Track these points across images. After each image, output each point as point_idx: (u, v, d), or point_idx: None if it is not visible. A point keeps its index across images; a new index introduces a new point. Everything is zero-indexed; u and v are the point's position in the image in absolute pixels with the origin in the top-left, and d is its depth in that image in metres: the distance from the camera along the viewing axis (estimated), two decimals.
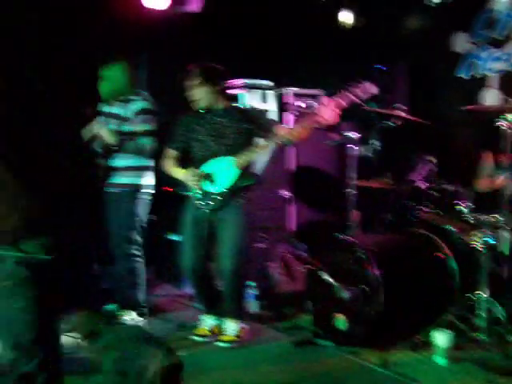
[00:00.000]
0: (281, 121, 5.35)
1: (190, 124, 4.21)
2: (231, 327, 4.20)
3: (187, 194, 4.22)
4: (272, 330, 4.48)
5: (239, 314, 4.24)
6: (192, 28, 6.04)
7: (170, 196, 4.84)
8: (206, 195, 4.13)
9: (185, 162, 4.26)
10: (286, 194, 5.36)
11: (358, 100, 3.89)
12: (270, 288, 4.93)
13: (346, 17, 5.90)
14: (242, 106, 4.35)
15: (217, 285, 4.30)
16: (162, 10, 6.02)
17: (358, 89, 3.86)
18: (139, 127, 4.40)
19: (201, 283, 4.28)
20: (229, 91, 4.60)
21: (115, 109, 4.53)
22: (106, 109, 4.59)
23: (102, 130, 4.37)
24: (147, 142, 4.40)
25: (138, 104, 4.44)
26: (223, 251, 4.11)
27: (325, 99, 3.90)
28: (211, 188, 4.12)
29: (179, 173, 4.22)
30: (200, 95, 4.11)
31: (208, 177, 4.12)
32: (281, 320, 4.63)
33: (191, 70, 4.13)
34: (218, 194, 4.09)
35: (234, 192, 4.07)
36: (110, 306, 4.74)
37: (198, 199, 4.16)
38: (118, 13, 5.44)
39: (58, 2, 5.14)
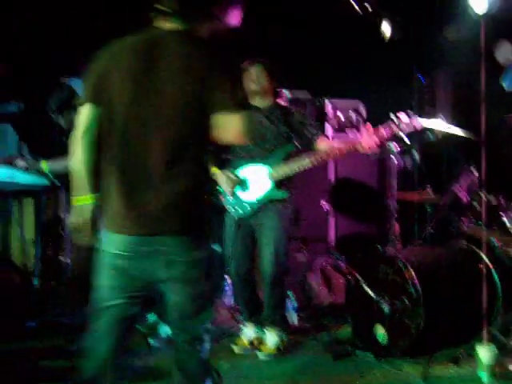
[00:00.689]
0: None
1: None
2: (271, 338, 4.21)
3: (223, 203, 4.26)
4: (311, 342, 4.47)
5: (279, 325, 4.25)
6: (230, 40, 6.10)
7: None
8: (238, 201, 4.17)
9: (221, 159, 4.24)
10: (326, 205, 5.37)
11: (401, 133, 3.89)
12: (310, 299, 4.93)
13: (385, 27, 5.87)
14: (288, 107, 4.31)
15: (258, 294, 4.33)
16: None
17: (403, 123, 3.86)
18: None
19: (244, 290, 4.32)
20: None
21: None
22: None
23: None
24: None
25: None
26: (263, 256, 4.13)
27: (368, 128, 3.91)
28: (243, 195, 4.15)
29: (215, 172, 4.21)
30: (251, 89, 4.08)
31: (242, 183, 4.14)
32: (320, 332, 4.62)
33: (249, 63, 4.14)
34: (249, 204, 4.12)
35: (266, 203, 4.10)
36: (152, 317, 4.81)
37: (229, 204, 4.21)
38: None
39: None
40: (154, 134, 2.35)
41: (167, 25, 2.43)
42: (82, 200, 2.47)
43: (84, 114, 2.43)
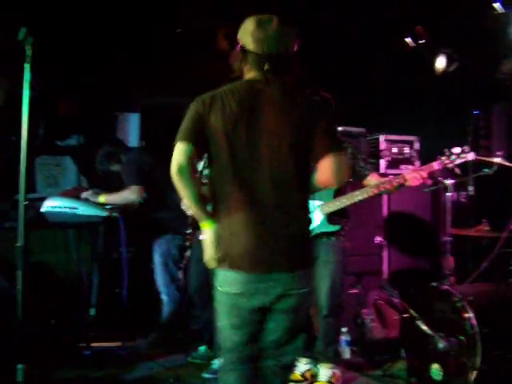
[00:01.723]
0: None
1: None
2: (324, 373, 4.19)
3: None
4: (365, 378, 4.43)
5: (333, 359, 4.23)
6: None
7: None
8: None
9: None
10: (379, 239, 5.34)
11: (454, 167, 3.91)
12: (363, 334, 4.88)
13: (440, 62, 5.88)
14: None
15: (312, 327, 4.33)
16: None
17: (457, 156, 3.88)
18: None
19: None
20: None
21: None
22: None
23: None
24: None
25: None
26: (319, 290, 4.11)
27: (416, 166, 3.96)
28: None
29: None
30: None
31: None
32: (374, 367, 4.58)
33: None
34: None
35: (318, 236, 4.11)
36: (202, 348, 4.85)
37: None
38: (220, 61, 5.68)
39: None
40: (267, 176, 2.57)
41: (258, 77, 2.66)
42: (204, 226, 2.67)
43: (179, 152, 2.54)
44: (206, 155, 2.65)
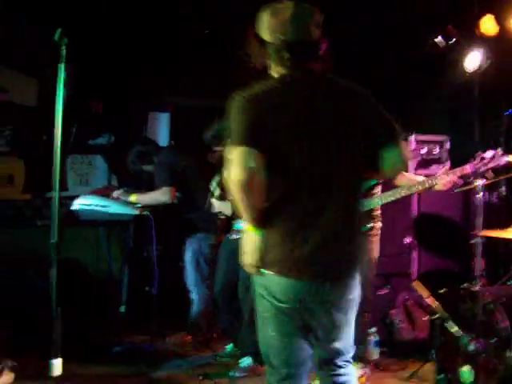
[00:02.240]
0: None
1: None
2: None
3: None
4: (393, 379, 4.41)
5: (362, 359, 4.22)
6: None
7: None
8: None
9: None
10: (409, 240, 5.31)
11: (487, 169, 3.88)
12: (392, 335, 4.86)
13: (470, 60, 5.82)
14: None
15: None
16: None
17: (489, 159, 3.85)
18: None
19: None
20: None
21: None
22: None
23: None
24: None
25: None
26: None
27: (448, 167, 3.94)
28: None
29: None
30: None
31: None
32: (402, 368, 4.55)
33: None
34: None
35: None
36: (228, 347, 4.88)
37: None
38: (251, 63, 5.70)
39: None
40: (332, 177, 2.42)
41: (291, 69, 2.47)
42: (250, 230, 2.51)
43: (243, 158, 2.31)
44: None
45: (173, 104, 6.57)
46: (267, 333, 2.57)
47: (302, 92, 2.44)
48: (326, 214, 2.40)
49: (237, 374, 4.49)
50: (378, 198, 4.07)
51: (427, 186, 3.96)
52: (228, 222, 4.66)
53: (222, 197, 4.58)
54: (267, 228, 2.45)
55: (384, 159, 2.47)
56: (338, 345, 2.62)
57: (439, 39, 5.77)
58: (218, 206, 4.64)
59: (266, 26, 2.46)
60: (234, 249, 4.65)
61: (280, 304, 2.47)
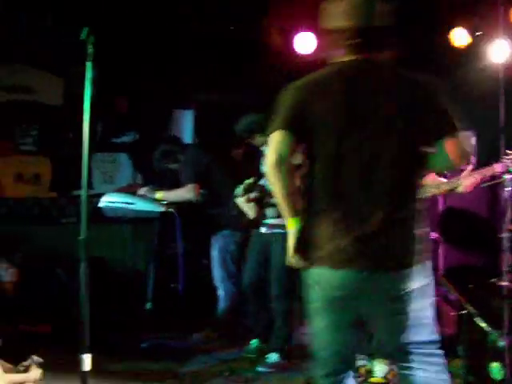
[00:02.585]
0: None
1: None
2: (380, 369, 4.15)
3: None
4: None
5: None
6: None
7: None
8: None
9: None
10: (435, 235, 5.27)
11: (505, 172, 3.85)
12: None
13: (496, 53, 5.73)
14: None
15: None
16: (309, 55, 6.22)
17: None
18: None
19: None
20: None
21: None
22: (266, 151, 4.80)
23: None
24: None
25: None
26: None
27: (470, 168, 3.91)
28: None
29: None
30: None
31: None
32: None
33: None
34: None
35: None
36: (254, 342, 4.88)
37: None
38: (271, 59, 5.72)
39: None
40: (377, 163, 2.35)
41: (354, 56, 2.44)
42: (290, 222, 2.52)
43: (277, 141, 2.38)
44: None
45: (197, 101, 6.58)
46: (317, 325, 2.52)
47: (356, 78, 2.40)
48: (376, 206, 2.35)
49: (264, 370, 4.50)
50: None
51: (451, 186, 3.95)
52: (259, 214, 4.67)
53: (247, 200, 4.61)
54: (314, 219, 2.42)
55: (438, 154, 2.40)
56: (396, 337, 2.48)
57: (463, 31, 5.71)
58: (242, 207, 4.66)
59: (331, 14, 2.46)
60: (263, 243, 4.69)
61: (332, 294, 2.42)
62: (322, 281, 2.44)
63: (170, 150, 5.16)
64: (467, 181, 3.89)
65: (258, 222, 4.72)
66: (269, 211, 4.64)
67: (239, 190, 4.63)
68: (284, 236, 4.51)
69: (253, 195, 4.60)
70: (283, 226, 4.52)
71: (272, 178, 2.41)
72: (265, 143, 4.75)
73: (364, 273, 2.36)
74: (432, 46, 5.89)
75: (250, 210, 4.65)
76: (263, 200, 4.60)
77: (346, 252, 2.35)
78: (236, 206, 4.81)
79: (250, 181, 4.61)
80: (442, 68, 5.82)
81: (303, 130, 2.38)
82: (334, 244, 2.37)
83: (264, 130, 4.58)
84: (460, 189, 3.92)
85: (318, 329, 2.52)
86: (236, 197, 4.62)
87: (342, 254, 2.36)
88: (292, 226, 2.51)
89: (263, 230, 4.70)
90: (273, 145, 2.39)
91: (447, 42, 5.74)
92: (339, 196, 2.37)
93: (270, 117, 2.43)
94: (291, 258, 2.54)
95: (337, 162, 2.36)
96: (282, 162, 2.36)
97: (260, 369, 4.50)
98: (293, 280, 4.62)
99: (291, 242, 2.53)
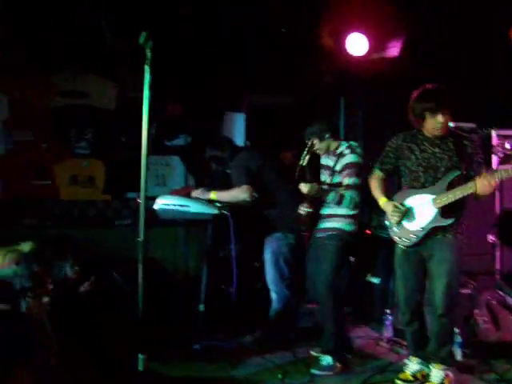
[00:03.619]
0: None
1: (401, 148, 4.20)
2: (436, 374, 4.09)
3: (386, 236, 4.26)
4: (478, 382, 4.28)
5: (445, 360, 4.12)
6: (391, 72, 6.13)
7: (369, 239, 4.88)
8: (403, 231, 4.13)
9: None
10: (492, 238, 5.16)
11: None
12: (475, 336, 4.73)
13: None
14: (462, 136, 4.15)
15: (425, 326, 4.27)
16: (360, 56, 6.18)
17: None
18: (346, 180, 4.56)
19: (411, 323, 4.25)
20: None
21: (329, 161, 4.75)
22: (323, 160, 4.83)
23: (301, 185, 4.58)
24: (350, 195, 4.54)
25: (347, 158, 4.60)
26: (435, 289, 4.04)
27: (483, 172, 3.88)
28: (409, 224, 4.12)
29: (380, 199, 4.26)
30: (436, 123, 4.00)
31: (407, 213, 4.12)
32: (488, 371, 4.41)
33: (427, 93, 4.04)
34: (415, 232, 4.07)
35: (432, 230, 4.03)
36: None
37: (395, 234, 4.18)
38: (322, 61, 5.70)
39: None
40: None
41: None
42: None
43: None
44: None
45: (249, 104, 6.60)
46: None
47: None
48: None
49: (318, 373, 4.50)
50: (460, 190, 3.95)
51: (472, 190, 3.90)
52: (313, 219, 4.67)
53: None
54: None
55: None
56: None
57: None
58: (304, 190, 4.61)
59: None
60: (317, 247, 4.70)
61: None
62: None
63: (218, 155, 5.16)
64: (481, 183, 3.83)
65: (314, 226, 4.74)
66: (323, 216, 4.66)
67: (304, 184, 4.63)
68: (334, 238, 4.55)
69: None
70: (335, 229, 4.56)
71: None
72: (325, 150, 4.76)
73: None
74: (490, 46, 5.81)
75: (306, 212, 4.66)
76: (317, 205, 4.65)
77: None
78: (291, 207, 4.82)
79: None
80: (500, 67, 5.74)
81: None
82: None
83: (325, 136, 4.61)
84: (478, 192, 3.88)
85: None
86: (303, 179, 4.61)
87: None
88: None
89: (318, 234, 4.72)
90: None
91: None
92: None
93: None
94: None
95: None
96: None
97: (314, 371, 4.50)
98: (340, 283, 4.63)
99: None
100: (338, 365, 4.56)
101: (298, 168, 4.55)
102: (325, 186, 4.66)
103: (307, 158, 4.57)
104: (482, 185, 3.82)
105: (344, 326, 4.74)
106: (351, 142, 4.74)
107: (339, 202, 4.54)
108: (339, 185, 4.60)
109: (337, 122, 5.34)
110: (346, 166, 4.57)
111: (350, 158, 4.59)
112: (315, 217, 4.69)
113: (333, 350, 4.59)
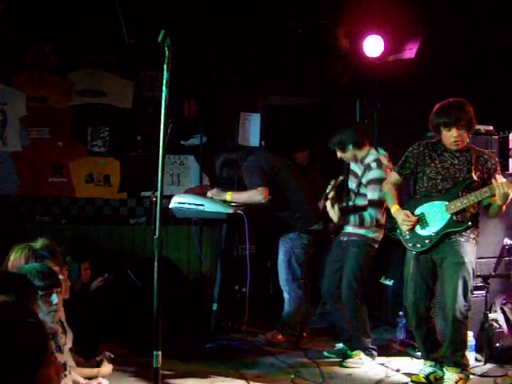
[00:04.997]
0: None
1: (422, 154, 4.19)
2: (449, 377, 4.07)
3: (402, 241, 4.25)
4: None
5: (459, 364, 4.10)
6: (407, 75, 6.12)
7: (384, 242, 4.86)
8: (416, 237, 4.13)
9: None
10: (509, 242, 5.12)
11: None
12: (490, 340, 4.69)
13: None
14: (482, 152, 4.17)
15: (435, 330, 4.27)
16: (376, 58, 6.17)
17: None
18: (370, 195, 4.61)
19: (422, 326, 4.24)
20: None
21: (357, 169, 4.78)
22: (352, 166, 4.85)
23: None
24: (370, 214, 4.61)
25: (372, 173, 4.63)
26: (447, 293, 4.04)
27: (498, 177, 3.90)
28: (421, 230, 4.12)
29: (393, 206, 4.26)
30: (451, 137, 4.03)
31: (420, 220, 4.11)
32: (502, 375, 4.38)
33: (443, 108, 4.06)
34: (427, 238, 4.07)
35: (445, 235, 4.03)
36: (340, 345, 4.87)
37: (408, 241, 4.17)
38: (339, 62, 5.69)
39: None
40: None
41: None
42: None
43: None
44: None
45: (264, 104, 6.60)
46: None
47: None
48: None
49: (349, 364, 4.65)
50: (474, 196, 3.95)
51: (487, 194, 3.92)
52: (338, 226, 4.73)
53: (332, 202, 4.62)
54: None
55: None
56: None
57: None
58: (328, 209, 4.71)
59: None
60: (341, 250, 4.72)
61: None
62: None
63: (232, 159, 5.15)
64: (498, 189, 3.85)
65: (340, 228, 4.79)
66: (349, 220, 4.70)
67: (329, 188, 4.64)
68: (357, 243, 4.58)
69: (331, 195, 4.63)
70: (359, 235, 4.59)
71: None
72: (351, 159, 4.77)
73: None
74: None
75: (334, 215, 4.70)
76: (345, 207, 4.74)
77: None
78: (305, 208, 4.82)
79: (332, 183, 4.63)
80: None
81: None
82: None
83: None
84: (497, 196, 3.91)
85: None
86: (326, 198, 4.64)
87: None
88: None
89: (342, 238, 4.74)
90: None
91: None
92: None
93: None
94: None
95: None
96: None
97: (345, 363, 4.67)
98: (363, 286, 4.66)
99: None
100: (368, 358, 4.72)
101: (323, 201, 4.69)
102: (350, 202, 4.75)
103: (332, 193, 4.63)
104: (502, 192, 3.82)
105: (366, 328, 4.79)
106: (379, 151, 4.76)
107: (361, 224, 4.62)
108: (364, 196, 4.67)
109: (362, 129, 5.28)
110: (372, 181, 4.62)
111: (375, 173, 4.63)
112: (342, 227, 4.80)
113: (362, 346, 4.72)
